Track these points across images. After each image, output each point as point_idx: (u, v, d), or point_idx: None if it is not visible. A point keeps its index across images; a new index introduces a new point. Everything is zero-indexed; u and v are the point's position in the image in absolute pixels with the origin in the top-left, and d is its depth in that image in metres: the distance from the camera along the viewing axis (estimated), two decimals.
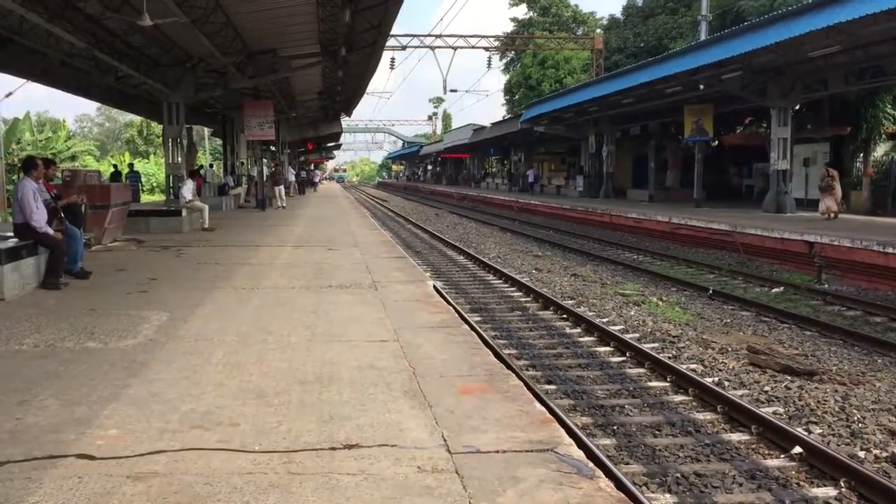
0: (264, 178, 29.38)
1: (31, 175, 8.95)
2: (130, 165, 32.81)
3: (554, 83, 53.02)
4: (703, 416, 6.69)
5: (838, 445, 5.99)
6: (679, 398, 7.19)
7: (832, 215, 19.21)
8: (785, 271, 15.56)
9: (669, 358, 8.50)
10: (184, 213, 16.88)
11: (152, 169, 53.68)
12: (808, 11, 16.71)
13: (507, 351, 8.72)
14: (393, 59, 44.65)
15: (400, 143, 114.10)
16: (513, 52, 60.58)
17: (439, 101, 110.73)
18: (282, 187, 28.84)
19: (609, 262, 17.42)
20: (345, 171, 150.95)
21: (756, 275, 14.99)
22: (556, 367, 8.33)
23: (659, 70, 23.09)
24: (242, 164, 30.11)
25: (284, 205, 27.82)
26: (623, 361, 8.57)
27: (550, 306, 11.60)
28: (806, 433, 6.06)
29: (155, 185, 50.29)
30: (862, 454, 5.82)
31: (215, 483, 3.24)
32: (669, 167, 34.91)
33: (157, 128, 54.43)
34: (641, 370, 8.17)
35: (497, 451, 3.63)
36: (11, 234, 8.77)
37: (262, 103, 24.15)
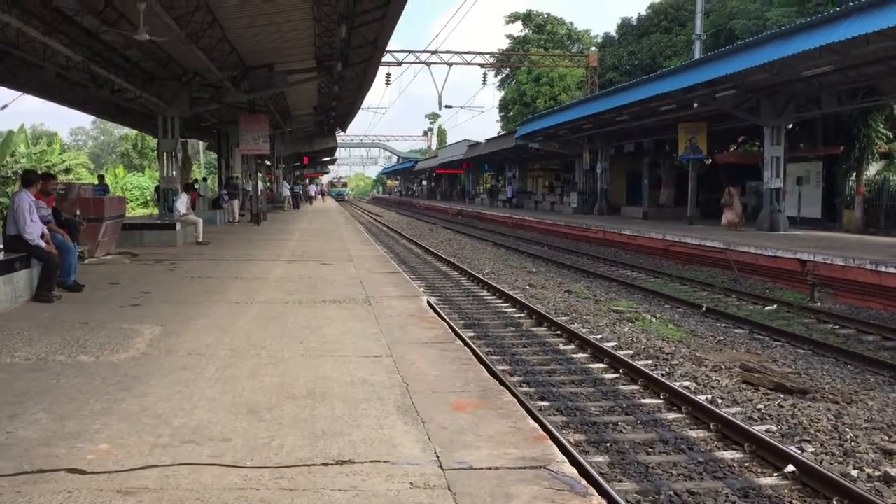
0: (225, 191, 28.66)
1: (30, 189, 8.95)
2: (100, 177, 32.49)
3: (548, 100, 53.30)
4: (697, 433, 6.69)
5: (831, 464, 6.00)
6: (672, 415, 7.19)
7: (735, 227, 22.92)
8: (778, 289, 15.59)
9: (663, 375, 8.50)
10: (178, 226, 16.86)
11: (146, 182, 53.60)
12: (801, 31, 16.85)
13: (500, 367, 8.71)
14: (388, 75, 44.85)
15: (395, 158, 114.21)
16: (508, 69, 60.97)
17: (434, 116, 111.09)
18: (236, 202, 27.46)
19: (603, 279, 17.44)
20: (345, 184, 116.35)
21: (749, 292, 15.02)
22: (549, 383, 8.32)
23: (653, 88, 23.22)
24: (237, 177, 30.06)
25: (237, 220, 26.82)
26: (616, 378, 8.56)
27: (544, 322, 11.60)
28: (799, 451, 6.07)
29: (149, 198, 50.20)
30: (855, 473, 5.82)
31: (206, 499, 3.22)
32: (663, 184, 35.02)
33: (151, 141, 54.44)
34: (635, 387, 8.17)
35: (490, 468, 3.62)
36: (1, 246, 8.74)
37: (257, 118, 24.18)
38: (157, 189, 34.52)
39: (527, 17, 62.39)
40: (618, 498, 4.99)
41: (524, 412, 4.65)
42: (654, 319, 12.26)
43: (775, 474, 5.74)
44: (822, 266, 14.63)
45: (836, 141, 26.00)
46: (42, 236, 8.78)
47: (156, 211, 33.80)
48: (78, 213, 11.36)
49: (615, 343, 10.33)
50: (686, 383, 8.27)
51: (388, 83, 45.90)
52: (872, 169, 26.04)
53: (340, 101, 28.09)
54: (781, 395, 7.81)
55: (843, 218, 24.63)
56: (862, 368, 9.16)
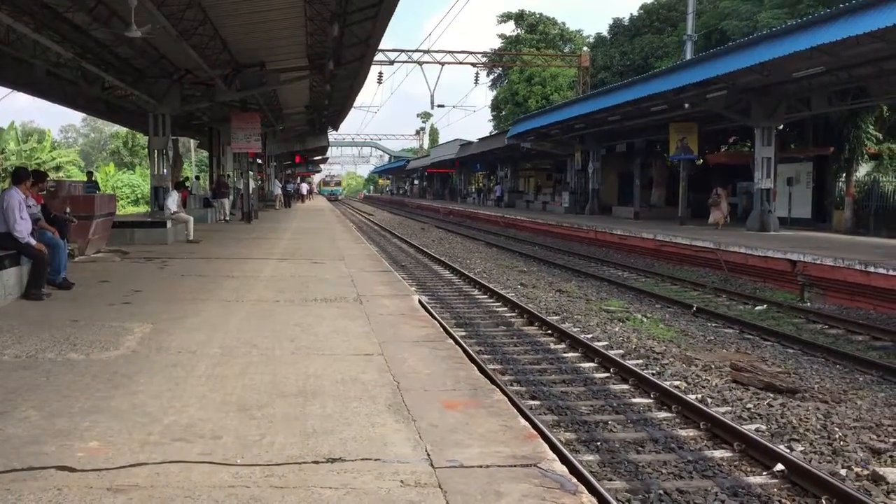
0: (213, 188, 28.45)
1: (20, 186, 8.91)
2: (89, 174, 32.24)
3: (540, 100, 53.36)
4: (686, 432, 6.71)
5: (820, 463, 6.03)
6: (662, 414, 7.22)
7: (719, 226, 23.75)
8: (768, 289, 15.66)
9: (653, 374, 8.53)
10: (168, 224, 16.80)
11: (137, 180, 53.44)
12: (792, 32, 16.92)
13: (491, 366, 8.72)
14: (381, 74, 44.72)
15: (387, 157, 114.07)
16: (500, 69, 61.00)
17: (427, 115, 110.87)
18: (226, 200, 26.97)
19: (594, 279, 17.47)
20: (338, 183, 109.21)
21: (740, 292, 15.08)
22: (540, 382, 8.34)
23: (645, 88, 23.29)
24: (227, 175, 30.00)
25: (227, 218, 26.40)
26: (607, 377, 8.58)
27: (535, 322, 11.62)
28: (788, 450, 6.10)
29: (140, 196, 50.04)
30: (843, 472, 5.86)
31: (196, 496, 3.21)
32: (655, 185, 35.12)
33: (142, 139, 54.18)
34: (625, 386, 8.19)
35: (480, 466, 3.62)
36: None
37: (249, 116, 24.12)
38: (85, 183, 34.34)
39: (519, 17, 62.45)
40: (608, 496, 5.01)
41: (515, 411, 4.65)
42: (644, 319, 12.30)
43: (764, 473, 5.77)
44: (812, 266, 14.70)
45: (826, 142, 26.13)
46: (31, 234, 8.74)
47: (148, 209, 33.68)
48: (68, 210, 11.31)
49: (606, 342, 10.35)
50: (676, 382, 8.30)
51: (380, 82, 45.83)
52: (862, 170, 26.19)
53: (332, 99, 28.06)
54: (771, 395, 7.85)
55: (833, 218, 24.75)
56: (851, 368, 9.21)
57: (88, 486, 3.30)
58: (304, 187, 64.98)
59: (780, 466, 5.69)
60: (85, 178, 29.25)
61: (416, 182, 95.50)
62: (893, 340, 10.73)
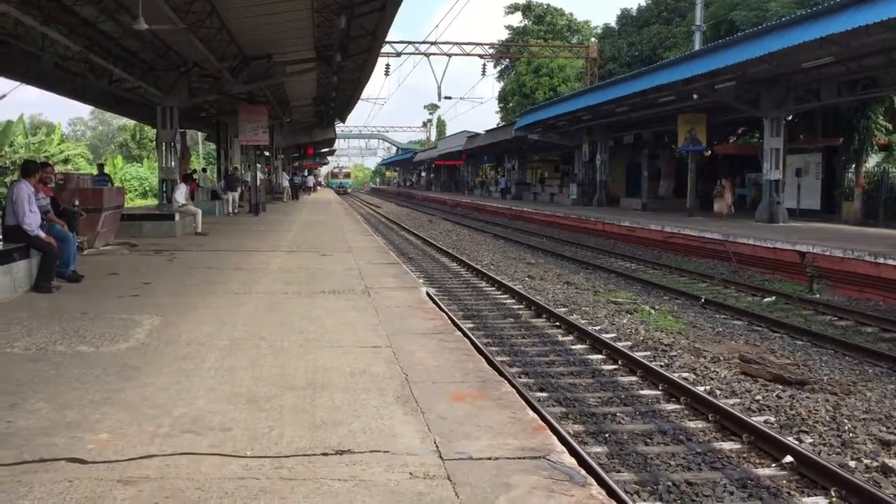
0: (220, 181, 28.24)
1: (29, 179, 8.93)
2: (100, 166, 32.13)
3: (548, 91, 53.20)
4: (695, 424, 6.71)
5: (829, 455, 6.01)
6: (671, 406, 7.21)
7: (724, 216, 24.48)
8: (777, 281, 15.60)
9: (661, 366, 8.51)
10: (177, 217, 16.84)
11: (145, 173, 53.50)
12: (801, 22, 16.83)
13: (499, 358, 8.71)
14: (388, 66, 44.57)
15: (394, 149, 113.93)
16: (507, 60, 60.86)
17: (434, 107, 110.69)
18: (235, 193, 26.71)
19: (602, 271, 17.45)
20: (347, 175, 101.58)
21: (748, 284, 15.04)
22: (548, 374, 8.34)
23: (653, 79, 23.20)
24: (237, 168, 29.99)
25: (236, 211, 26.26)
26: (615, 369, 8.58)
27: (543, 314, 11.61)
28: (797, 442, 6.08)
29: (148, 188, 50.11)
30: (853, 464, 5.84)
31: (206, 488, 3.23)
32: (663, 176, 35.02)
33: (150, 132, 54.32)
34: (633, 378, 8.18)
35: (489, 458, 3.63)
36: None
37: (256, 108, 24.11)
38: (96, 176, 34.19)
39: (526, 8, 62.26)
40: (616, 488, 5.01)
41: (523, 403, 4.65)
42: (652, 311, 12.27)
43: (773, 465, 5.76)
44: (821, 258, 14.64)
45: (835, 132, 25.99)
46: (40, 226, 8.77)
47: (156, 201, 33.56)
48: (77, 203, 11.35)
49: (614, 334, 10.34)
50: (685, 374, 8.29)
51: (387, 74, 45.66)
52: (872, 161, 26.02)
53: (340, 91, 28.03)
54: (780, 387, 7.83)
55: (843, 210, 24.63)
56: (860, 360, 9.18)
57: (99, 477, 3.32)
58: (311, 180, 65.04)
59: (789, 458, 5.68)
60: (96, 171, 29.25)
61: (423, 174, 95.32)
62: None
